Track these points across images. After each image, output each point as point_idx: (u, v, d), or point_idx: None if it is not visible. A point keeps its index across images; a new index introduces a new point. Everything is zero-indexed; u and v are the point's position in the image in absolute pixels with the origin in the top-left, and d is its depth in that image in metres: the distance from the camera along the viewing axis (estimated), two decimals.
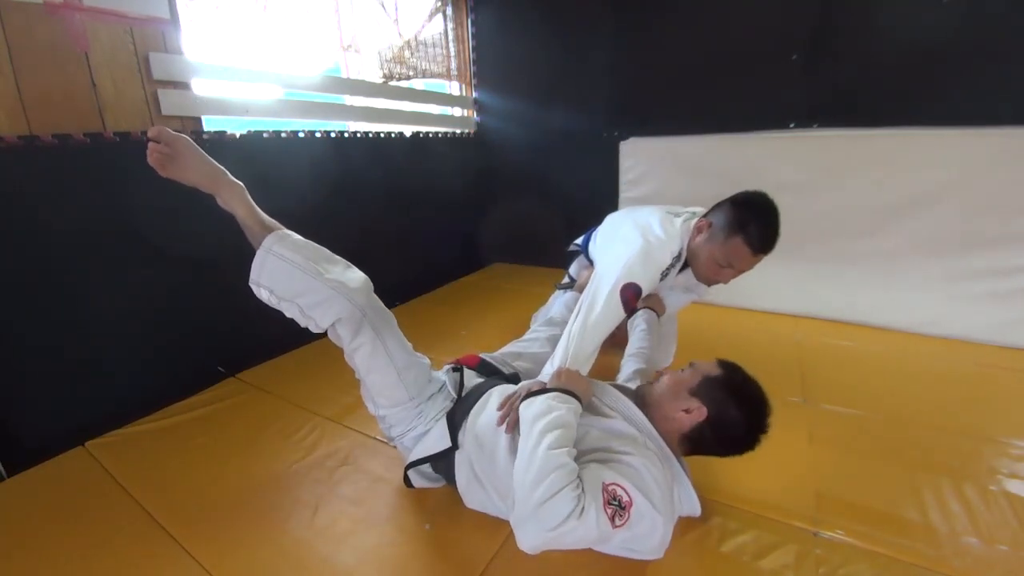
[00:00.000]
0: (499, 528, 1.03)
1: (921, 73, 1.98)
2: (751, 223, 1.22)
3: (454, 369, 1.25)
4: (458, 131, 2.94)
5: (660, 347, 1.58)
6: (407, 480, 1.15)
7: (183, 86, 1.56)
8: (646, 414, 0.99)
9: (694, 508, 0.98)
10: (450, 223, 2.94)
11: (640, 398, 1.04)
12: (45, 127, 1.27)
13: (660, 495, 0.85)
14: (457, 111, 3.07)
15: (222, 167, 1.05)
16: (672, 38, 2.42)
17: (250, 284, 1.01)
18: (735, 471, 1.19)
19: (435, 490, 1.16)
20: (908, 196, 2.09)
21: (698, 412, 0.94)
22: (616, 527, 0.79)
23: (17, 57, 1.21)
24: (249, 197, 1.04)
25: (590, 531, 0.78)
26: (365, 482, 1.20)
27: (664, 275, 1.35)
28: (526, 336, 1.54)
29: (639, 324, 1.51)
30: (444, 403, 1.15)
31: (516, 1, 2.80)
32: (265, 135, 1.82)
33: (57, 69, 1.28)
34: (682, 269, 1.41)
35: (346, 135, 2.20)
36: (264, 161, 1.82)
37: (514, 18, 2.84)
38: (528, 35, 2.81)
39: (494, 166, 3.10)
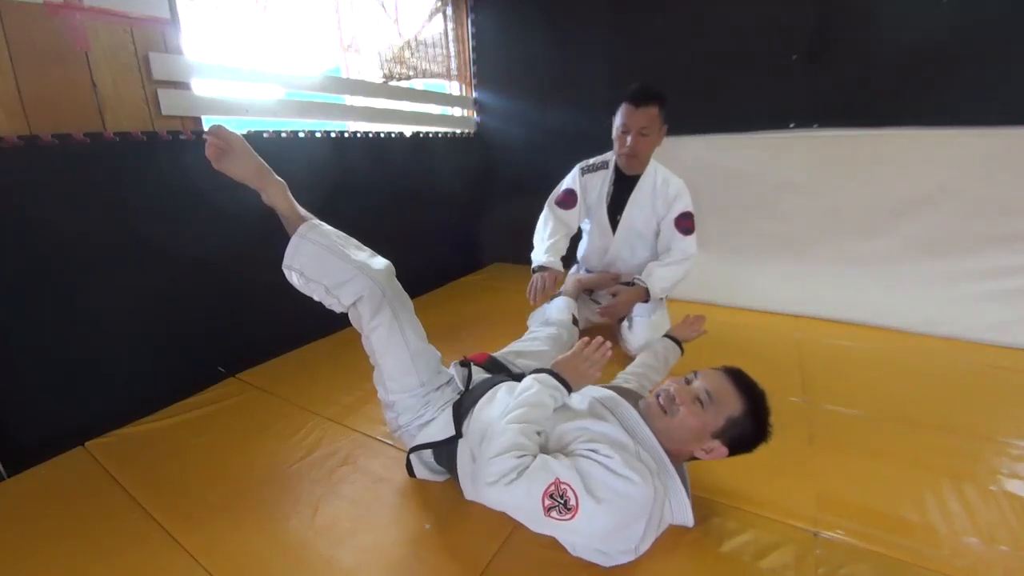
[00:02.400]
0: (500, 528, 1.03)
1: (921, 73, 1.99)
2: (627, 92, 1.62)
3: (462, 364, 1.26)
4: (458, 131, 2.94)
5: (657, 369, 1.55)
6: (409, 468, 1.16)
7: (183, 86, 1.56)
8: (650, 427, 0.96)
9: (686, 519, 0.95)
10: (450, 223, 2.94)
11: (644, 414, 0.99)
12: (45, 127, 1.27)
13: (635, 509, 0.84)
14: (457, 111, 3.07)
15: (268, 166, 1.12)
16: (672, 38, 2.42)
17: (283, 268, 1.11)
18: (735, 471, 1.20)
19: (436, 489, 1.16)
20: (908, 196, 2.09)
21: (718, 451, 0.95)
22: (550, 517, 0.81)
23: (17, 57, 1.21)
24: (290, 193, 1.13)
25: (518, 504, 0.83)
26: (365, 482, 1.20)
27: (591, 169, 1.80)
28: (526, 336, 1.56)
29: (656, 347, 1.44)
30: (451, 395, 1.17)
31: (516, 1, 2.81)
32: (265, 135, 1.82)
33: (57, 69, 1.28)
34: (617, 181, 1.79)
35: (346, 135, 2.20)
36: (264, 161, 1.82)
37: (514, 18, 2.84)
38: (528, 35, 2.81)
39: (494, 166, 3.10)
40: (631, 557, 0.92)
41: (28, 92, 1.24)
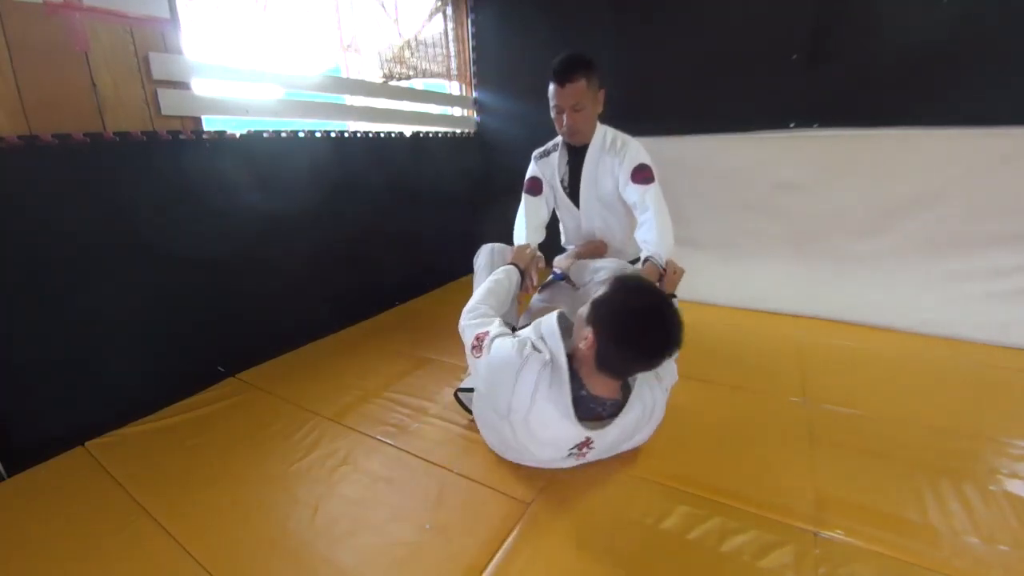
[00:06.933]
0: (500, 528, 1.04)
1: (921, 73, 1.98)
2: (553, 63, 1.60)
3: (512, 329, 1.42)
4: (458, 131, 2.94)
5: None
6: (458, 398, 1.44)
7: (183, 86, 1.56)
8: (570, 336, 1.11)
9: (565, 410, 1.02)
10: (450, 223, 2.94)
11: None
12: (45, 127, 1.27)
13: (509, 354, 1.07)
14: (457, 111, 3.07)
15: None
16: (672, 38, 2.42)
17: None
18: (735, 470, 1.20)
19: (436, 489, 1.17)
20: (908, 196, 2.09)
21: (590, 339, 1.00)
22: (472, 352, 1.17)
23: (17, 57, 1.21)
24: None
25: (466, 335, 1.23)
26: (365, 482, 1.21)
27: (543, 154, 1.87)
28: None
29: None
30: None
31: (516, 1, 2.80)
32: (265, 135, 1.82)
33: (57, 69, 1.28)
34: (570, 158, 1.79)
35: (346, 135, 2.20)
36: (264, 161, 1.82)
37: (514, 18, 2.83)
38: (528, 35, 2.81)
39: (494, 166, 3.10)
40: (520, 427, 1.08)
41: (28, 92, 1.24)
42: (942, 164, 2.01)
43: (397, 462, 1.28)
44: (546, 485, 1.16)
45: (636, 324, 0.97)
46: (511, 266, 1.48)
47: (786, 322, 2.21)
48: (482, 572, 0.94)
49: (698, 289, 2.38)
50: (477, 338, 1.16)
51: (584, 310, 1.05)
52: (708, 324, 2.20)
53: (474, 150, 3.07)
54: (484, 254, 1.65)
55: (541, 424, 1.06)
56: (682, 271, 1.53)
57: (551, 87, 1.61)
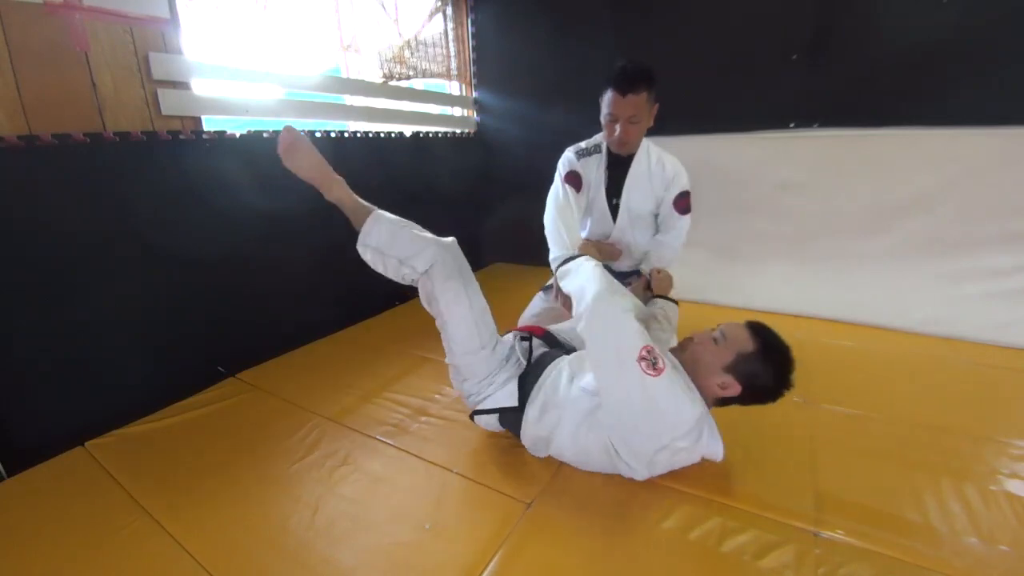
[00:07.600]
0: (500, 528, 1.04)
1: (921, 73, 1.98)
2: (612, 75, 1.53)
3: (523, 338, 1.34)
4: (458, 131, 2.94)
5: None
6: (472, 418, 1.31)
7: (183, 86, 1.56)
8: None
9: (716, 450, 1.08)
10: (450, 223, 2.92)
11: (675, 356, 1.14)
12: (45, 127, 1.27)
13: (691, 397, 1.02)
14: (457, 111, 3.07)
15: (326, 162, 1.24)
16: (672, 38, 2.42)
17: (358, 247, 1.22)
18: (735, 470, 1.20)
19: (436, 489, 1.17)
20: (908, 196, 2.09)
21: (732, 389, 1.07)
22: (639, 364, 1.00)
23: (17, 57, 1.21)
24: (349, 188, 1.25)
25: (623, 338, 1.04)
26: (365, 482, 1.20)
27: (584, 153, 1.78)
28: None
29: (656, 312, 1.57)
30: (513, 369, 1.27)
31: (516, 1, 2.81)
32: (265, 135, 1.82)
33: (57, 69, 1.28)
34: (611, 165, 1.75)
35: (346, 135, 2.20)
36: (264, 161, 1.81)
37: (514, 18, 2.84)
38: (528, 35, 2.81)
39: (494, 166, 3.10)
40: (643, 464, 1.07)
41: (28, 92, 1.24)
42: (942, 164, 2.01)
43: (397, 462, 1.28)
44: (546, 485, 1.16)
45: (782, 384, 1.09)
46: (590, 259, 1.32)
47: (786, 322, 2.21)
48: (482, 572, 0.94)
49: (697, 289, 2.38)
50: (647, 351, 1.02)
51: (714, 357, 1.10)
52: (708, 324, 2.19)
53: (474, 150, 3.07)
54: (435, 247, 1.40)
55: (690, 452, 1.09)
56: (670, 276, 1.65)
57: (609, 94, 1.54)
